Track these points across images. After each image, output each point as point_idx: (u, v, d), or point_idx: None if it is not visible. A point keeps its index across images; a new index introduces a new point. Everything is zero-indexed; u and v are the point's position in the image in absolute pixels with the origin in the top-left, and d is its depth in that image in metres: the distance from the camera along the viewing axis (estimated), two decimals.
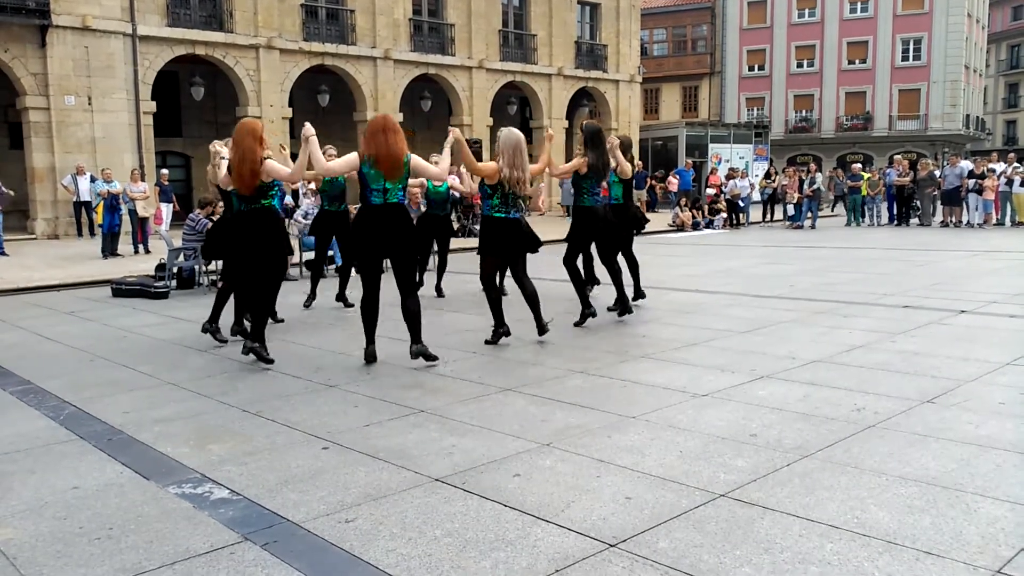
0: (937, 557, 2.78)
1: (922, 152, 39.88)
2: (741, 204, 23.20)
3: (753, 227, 23.28)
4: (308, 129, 5.90)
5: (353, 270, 8.92)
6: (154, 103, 21.20)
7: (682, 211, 22.24)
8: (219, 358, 6.40)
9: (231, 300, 7.09)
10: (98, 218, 16.84)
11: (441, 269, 10.03)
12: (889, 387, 5.00)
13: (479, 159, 7.31)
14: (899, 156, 28.58)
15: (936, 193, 21.83)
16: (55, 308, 9.63)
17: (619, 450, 3.94)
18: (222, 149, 7.02)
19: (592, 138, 7.46)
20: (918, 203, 22.22)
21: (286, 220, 9.75)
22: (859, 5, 44.32)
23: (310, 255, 12.69)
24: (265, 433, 4.38)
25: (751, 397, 4.85)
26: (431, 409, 4.75)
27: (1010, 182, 20.28)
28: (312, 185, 12.05)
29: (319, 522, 3.19)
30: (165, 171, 19.46)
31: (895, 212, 22.36)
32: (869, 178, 22.84)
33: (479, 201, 8.44)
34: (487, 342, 6.70)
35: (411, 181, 6.42)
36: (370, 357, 6.04)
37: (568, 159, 18.71)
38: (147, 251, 16.07)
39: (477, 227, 14.46)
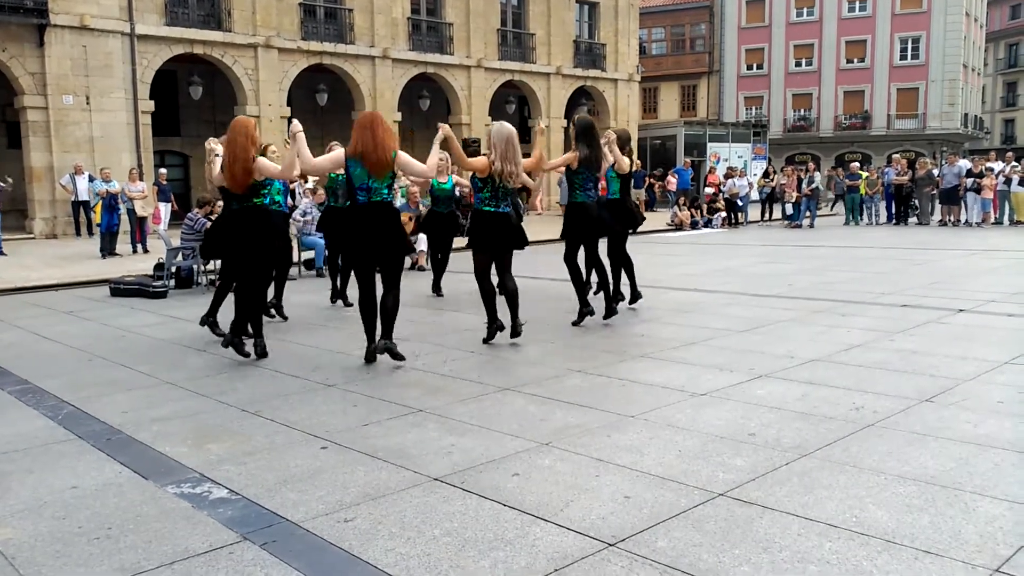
0: (936, 556, 2.78)
1: (920, 151, 39.92)
2: (739, 203, 23.21)
3: (751, 226, 23.30)
4: (295, 126, 5.94)
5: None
6: (152, 102, 21.19)
7: (680, 210, 22.24)
8: (218, 357, 6.40)
9: (230, 296, 7.10)
10: (96, 217, 16.83)
11: (441, 268, 9.94)
12: (887, 386, 5.00)
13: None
14: (897, 155, 28.66)
15: (934, 192, 21.85)
16: (53, 308, 9.62)
17: (618, 449, 3.94)
18: (217, 147, 7.04)
19: (583, 132, 7.33)
20: (916, 202, 22.23)
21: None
22: (857, 4, 44.35)
23: (309, 254, 12.72)
24: (264, 433, 4.38)
25: (750, 396, 4.85)
26: (430, 408, 4.75)
27: (1008, 181, 20.29)
28: (309, 184, 12.06)
29: (318, 522, 3.19)
30: (163, 170, 19.44)
31: (893, 211, 22.37)
32: (867, 177, 22.85)
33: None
34: (485, 341, 6.70)
35: (411, 180, 6.44)
36: (371, 356, 6.03)
37: None
38: (145, 250, 16.06)
39: None
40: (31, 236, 19.58)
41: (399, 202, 14.46)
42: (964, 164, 21.88)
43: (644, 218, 8.74)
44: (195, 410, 4.88)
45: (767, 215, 24.58)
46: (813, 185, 22.18)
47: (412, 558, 2.86)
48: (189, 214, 11.46)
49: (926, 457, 3.74)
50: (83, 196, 18.69)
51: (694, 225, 22.12)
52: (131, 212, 16.42)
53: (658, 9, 46.30)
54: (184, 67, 22.84)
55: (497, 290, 6.75)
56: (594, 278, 8.04)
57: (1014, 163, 21.25)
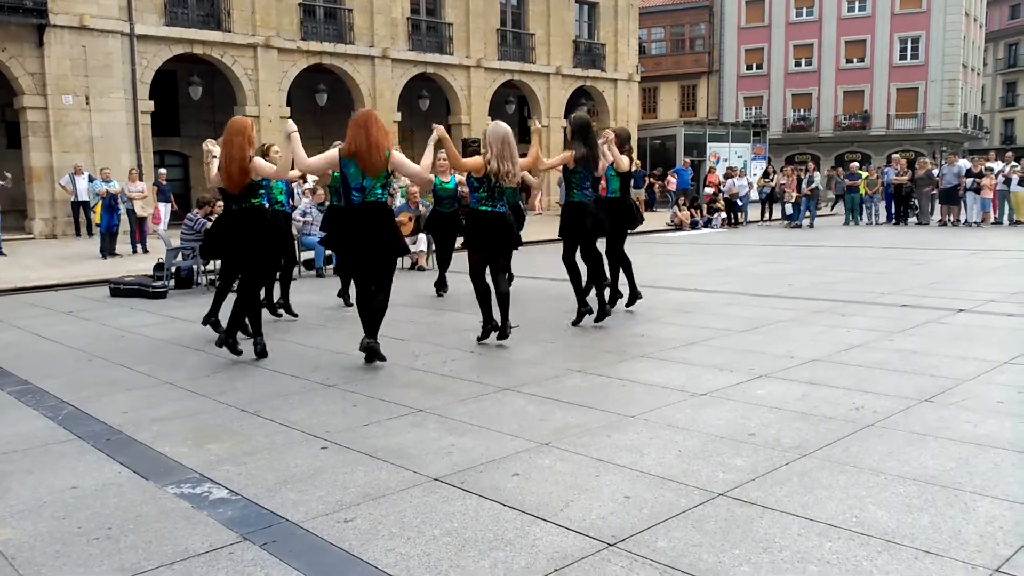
0: (936, 556, 2.78)
1: (920, 151, 39.92)
2: (739, 203, 23.22)
3: (751, 226, 23.30)
4: (290, 126, 6.00)
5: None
6: (152, 102, 21.19)
7: (680, 210, 22.25)
8: (217, 358, 6.39)
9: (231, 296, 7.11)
10: (96, 218, 16.83)
11: (445, 267, 9.93)
12: (887, 386, 5.00)
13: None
14: (897, 155, 28.63)
15: (934, 192, 21.85)
16: (53, 308, 9.62)
17: (618, 449, 3.94)
18: (214, 149, 7.06)
19: (579, 130, 7.26)
20: (916, 202, 22.24)
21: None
22: (857, 4, 44.35)
23: (309, 254, 12.71)
24: (264, 433, 4.38)
25: (750, 396, 4.85)
26: (430, 408, 4.75)
27: (1008, 181, 20.30)
28: (308, 184, 12.06)
29: (318, 522, 3.19)
30: (163, 171, 19.45)
31: (893, 211, 22.38)
32: (867, 177, 22.86)
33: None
34: (479, 340, 6.69)
35: (410, 180, 6.44)
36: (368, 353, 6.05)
37: None
38: (145, 251, 16.06)
39: None
40: (31, 236, 19.57)
41: (399, 202, 14.49)
42: (964, 164, 21.89)
43: (643, 218, 8.67)
44: (195, 410, 4.88)
45: (767, 215, 24.58)
46: (813, 185, 22.19)
47: (412, 558, 2.86)
48: (189, 214, 11.46)
49: (926, 457, 3.74)
50: (83, 196, 18.69)
51: (694, 225, 22.12)
52: (131, 212, 16.42)
53: (658, 9, 46.30)
54: (184, 67, 22.83)
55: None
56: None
57: (1013, 163, 21.25)
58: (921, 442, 3.95)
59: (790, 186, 22.42)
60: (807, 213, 22.06)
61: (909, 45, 43.71)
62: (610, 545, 2.93)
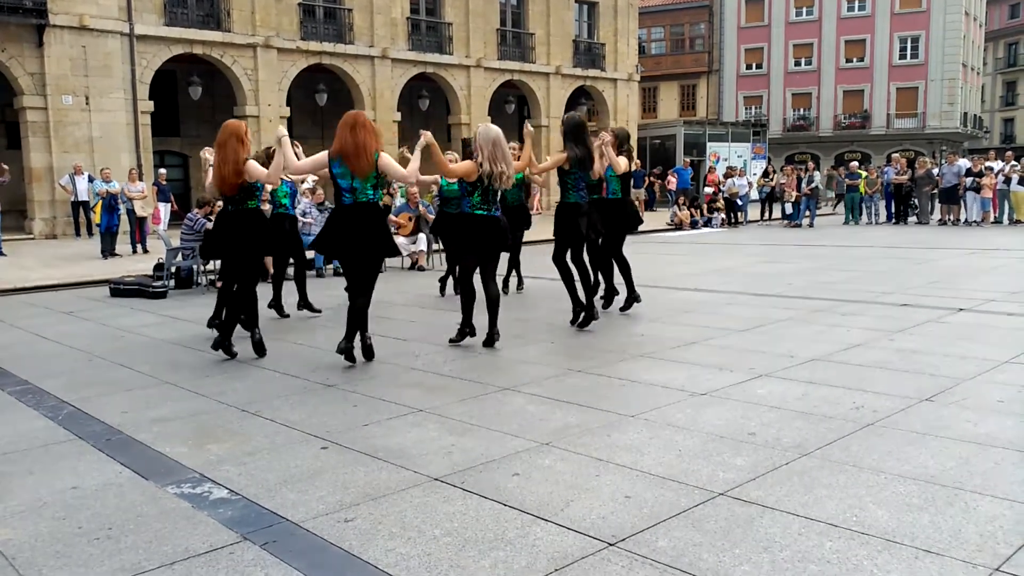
0: (936, 555, 2.78)
1: (920, 150, 39.91)
2: (739, 203, 23.22)
3: (751, 226, 23.30)
4: (280, 130, 6.11)
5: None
6: (152, 103, 21.19)
7: (680, 210, 22.24)
8: (217, 358, 6.40)
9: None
10: (96, 218, 16.84)
11: (452, 268, 9.92)
12: (887, 385, 5.00)
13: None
14: (897, 154, 28.61)
15: (934, 191, 21.85)
16: (53, 308, 9.62)
17: (618, 449, 3.95)
18: (211, 157, 7.11)
19: (572, 131, 7.16)
20: (916, 201, 22.25)
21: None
22: (857, 3, 44.33)
23: (309, 254, 12.71)
24: (264, 433, 4.38)
25: (750, 396, 4.86)
26: (430, 408, 4.75)
27: (1008, 180, 20.30)
28: (308, 184, 12.08)
29: (318, 522, 3.19)
30: (163, 171, 19.45)
31: (893, 210, 22.38)
32: (867, 177, 22.86)
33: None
34: (451, 341, 6.61)
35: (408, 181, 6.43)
36: (365, 352, 6.08)
37: None
38: (145, 251, 16.06)
39: None
40: (31, 236, 19.58)
41: (399, 202, 14.49)
42: (963, 163, 21.89)
43: (642, 220, 8.64)
44: (195, 410, 4.88)
45: (767, 215, 24.59)
46: (813, 184, 22.19)
47: (412, 558, 2.86)
48: (189, 214, 11.47)
49: (926, 456, 3.74)
50: (83, 196, 18.69)
51: (694, 225, 22.12)
52: (131, 212, 16.42)
53: (657, 9, 46.28)
54: (183, 67, 22.83)
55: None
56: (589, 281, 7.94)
57: (1013, 162, 21.26)
58: (921, 441, 3.95)
59: (790, 185, 22.43)
60: (807, 213, 22.06)
61: (909, 44, 43.70)
62: (610, 545, 2.93)
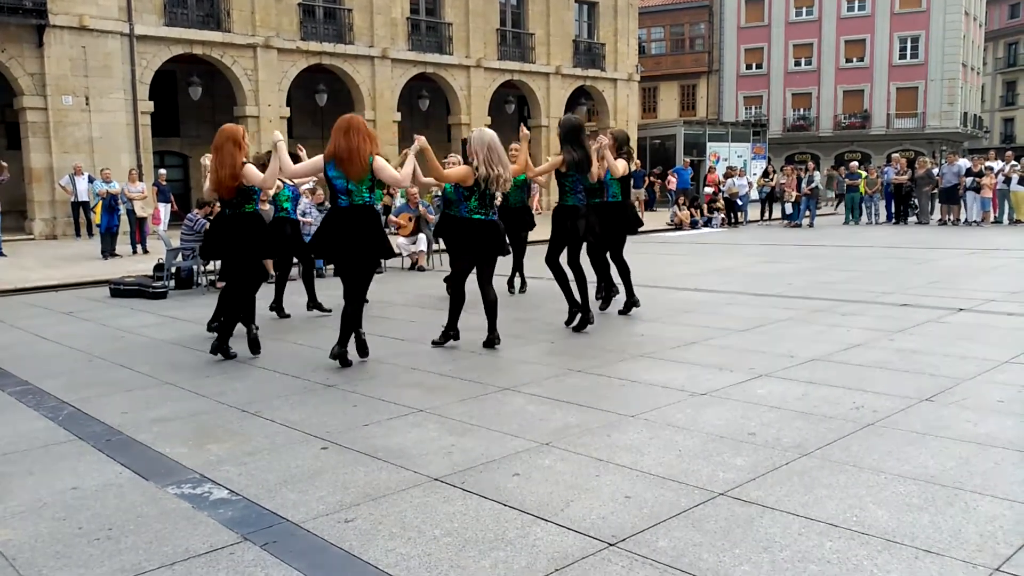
0: (936, 555, 2.78)
1: (920, 150, 39.91)
2: (739, 203, 23.22)
3: (751, 226, 23.30)
4: (276, 135, 6.17)
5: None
6: (152, 103, 21.20)
7: (680, 210, 22.24)
8: (217, 358, 6.39)
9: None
10: (96, 218, 16.85)
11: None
12: (887, 385, 5.00)
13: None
14: (897, 154, 28.61)
15: (934, 191, 21.85)
16: (53, 308, 9.62)
17: (618, 449, 3.95)
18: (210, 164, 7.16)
19: (568, 133, 7.11)
20: (916, 201, 22.24)
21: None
22: (856, 3, 44.33)
23: None
24: (264, 433, 4.38)
25: (750, 396, 4.86)
26: (430, 408, 4.75)
27: (1008, 180, 20.30)
28: (308, 185, 12.08)
29: (318, 522, 3.19)
30: (163, 171, 19.45)
31: (893, 210, 22.38)
32: (867, 177, 22.86)
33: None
34: (434, 343, 6.57)
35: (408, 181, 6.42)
36: (361, 349, 6.11)
37: None
38: (145, 251, 16.07)
39: None
40: (31, 237, 19.58)
41: (399, 202, 14.49)
42: (963, 163, 21.89)
43: (642, 223, 8.61)
44: (195, 410, 4.88)
45: (767, 215, 24.58)
46: (813, 184, 22.19)
47: (413, 558, 2.87)
48: (189, 215, 11.47)
49: (926, 456, 3.74)
50: (83, 197, 18.68)
51: (694, 225, 22.12)
52: (131, 213, 16.43)
53: (657, 9, 46.28)
54: (183, 67, 22.83)
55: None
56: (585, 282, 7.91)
57: (1013, 162, 21.26)
58: (921, 441, 3.95)
59: (790, 185, 22.43)
60: (807, 212, 22.06)
61: (909, 44, 43.69)
62: (610, 545, 2.93)
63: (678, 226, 21.67)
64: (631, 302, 7.98)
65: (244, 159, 6.22)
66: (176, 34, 21.29)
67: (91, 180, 18.23)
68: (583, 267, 7.30)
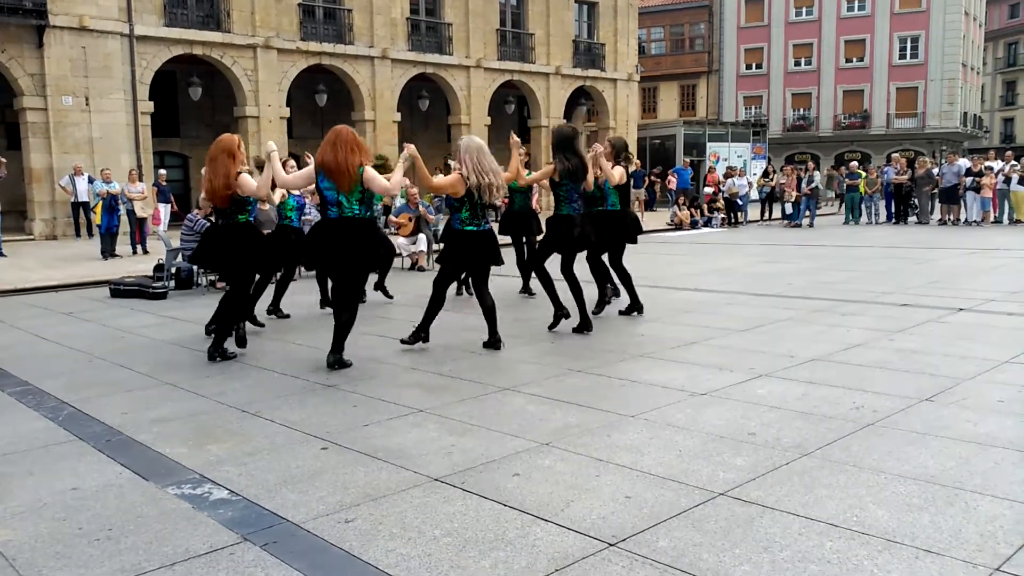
0: (936, 555, 2.78)
1: (920, 150, 39.91)
2: (739, 203, 23.22)
3: (751, 226, 23.30)
4: (269, 146, 6.19)
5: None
6: (152, 103, 21.19)
7: (680, 210, 22.24)
8: (216, 360, 6.39)
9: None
10: (96, 219, 16.86)
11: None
12: (887, 385, 5.00)
13: None
14: (897, 154, 28.61)
15: (934, 191, 21.85)
16: (53, 309, 9.62)
17: (618, 449, 3.95)
18: None
19: (560, 142, 7.03)
20: (916, 201, 22.24)
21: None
22: (856, 3, 44.32)
23: None
24: (264, 433, 4.38)
25: (750, 396, 4.86)
26: (430, 409, 4.75)
27: (1008, 180, 20.30)
28: (311, 186, 12.09)
29: (318, 522, 3.19)
30: (163, 171, 19.46)
31: (893, 210, 22.38)
32: (867, 176, 22.86)
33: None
34: (403, 341, 6.48)
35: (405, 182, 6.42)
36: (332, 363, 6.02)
37: None
38: (145, 251, 16.06)
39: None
40: (31, 237, 19.57)
41: (399, 202, 14.49)
42: (963, 163, 21.89)
43: (643, 230, 8.56)
44: (195, 411, 4.88)
45: (767, 215, 24.58)
46: (812, 184, 22.19)
47: (413, 558, 2.87)
48: (189, 215, 11.46)
49: (926, 456, 3.74)
50: (83, 197, 18.67)
51: (694, 225, 22.12)
52: (131, 213, 16.42)
53: (657, 9, 46.27)
54: (183, 68, 22.83)
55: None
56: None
57: (1013, 162, 21.26)
58: (921, 441, 3.95)
59: (790, 185, 22.43)
60: (807, 212, 22.06)
61: (909, 44, 43.69)
62: (611, 545, 2.93)
63: (678, 226, 21.67)
64: (635, 307, 7.91)
65: (239, 169, 6.25)
66: (176, 34, 21.29)
67: (91, 180, 18.22)
68: (576, 276, 7.25)
